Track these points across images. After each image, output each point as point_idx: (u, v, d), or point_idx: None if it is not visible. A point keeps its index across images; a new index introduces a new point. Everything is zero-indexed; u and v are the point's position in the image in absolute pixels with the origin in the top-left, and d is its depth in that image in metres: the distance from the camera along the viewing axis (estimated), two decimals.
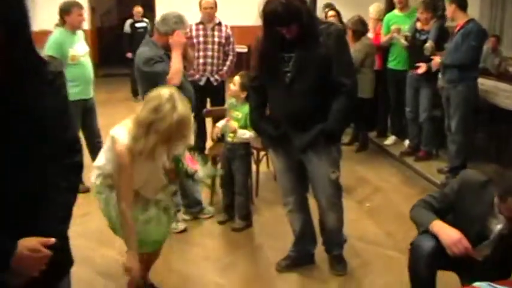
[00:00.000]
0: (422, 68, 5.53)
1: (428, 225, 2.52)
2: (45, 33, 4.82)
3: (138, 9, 9.99)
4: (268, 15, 2.98)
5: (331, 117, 3.15)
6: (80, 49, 4.80)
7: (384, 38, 6.41)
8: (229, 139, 4.20)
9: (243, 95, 4.10)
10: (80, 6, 4.83)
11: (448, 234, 2.43)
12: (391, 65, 6.41)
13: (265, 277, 3.60)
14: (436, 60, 5.25)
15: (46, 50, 4.63)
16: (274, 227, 4.28)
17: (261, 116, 3.46)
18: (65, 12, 4.75)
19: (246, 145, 4.22)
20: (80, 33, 4.90)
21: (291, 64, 3.11)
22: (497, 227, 2.44)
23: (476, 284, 1.96)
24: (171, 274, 3.58)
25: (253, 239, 4.19)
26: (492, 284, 1.93)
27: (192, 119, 2.88)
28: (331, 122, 3.16)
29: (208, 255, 3.88)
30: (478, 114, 5.54)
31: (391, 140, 6.75)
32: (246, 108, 3.96)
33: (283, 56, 3.14)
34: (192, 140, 2.91)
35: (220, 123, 4.34)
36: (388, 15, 6.56)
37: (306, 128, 3.19)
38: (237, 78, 4.19)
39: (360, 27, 6.21)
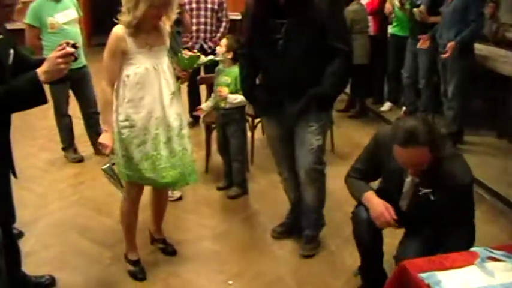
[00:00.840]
0: (424, 42, 5.44)
1: (361, 199, 2.66)
2: None
3: None
4: None
5: (325, 81, 3.06)
6: (61, 17, 4.67)
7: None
8: (222, 105, 4.17)
9: (230, 56, 4.08)
10: None
11: (373, 207, 2.56)
12: (393, 30, 6.33)
13: (261, 243, 3.61)
14: (452, 44, 5.00)
15: (25, 18, 4.59)
16: (270, 194, 4.29)
17: (253, 83, 3.39)
18: None
19: (240, 110, 4.19)
20: (66, 0, 4.76)
21: (282, 30, 2.99)
22: (407, 179, 2.52)
23: (473, 248, 1.96)
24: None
25: (248, 206, 4.20)
26: (489, 248, 1.93)
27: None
28: (325, 86, 3.06)
29: (203, 222, 3.88)
30: (475, 79, 5.50)
31: (386, 106, 6.72)
32: (234, 71, 3.95)
33: (276, 22, 3.01)
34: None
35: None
36: None
37: (301, 94, 3.10)
38: (224, 40, 4.17)
39: None
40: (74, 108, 5.11)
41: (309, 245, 3.49)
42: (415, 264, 1.82)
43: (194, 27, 5.47)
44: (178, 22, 4.35)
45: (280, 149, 3.44)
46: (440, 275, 1.74)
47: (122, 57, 2.84)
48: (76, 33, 4.75)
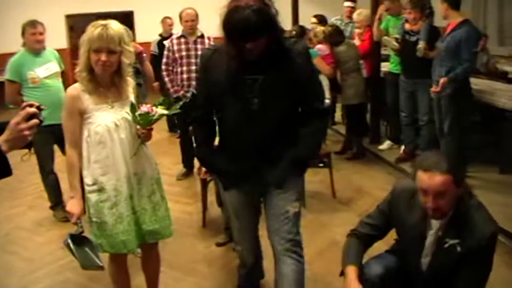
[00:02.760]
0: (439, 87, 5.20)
1: (344, 268, 2.56)
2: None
3: None
4: (239, 25, 2.35)
5: (303, 144, 2.70)
6: (41, 71, 4.53)
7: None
8: None
9: None
10: (33, 25, 4.53)
11: (347, 284, 2.47)
12: (391, 68, 6.25)
13: None
14: (444, 80, 4.89)
15: (4, 74, 4.47)
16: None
17: (212, 151, 2.90)
18: (22, 32, 4.55)
19: None
20: (47, 54, 4.64)
21: (256, 88, 2.57)
22: (430, 232, 2.44)
23: None
24: None
25: None
26: None
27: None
28: (303, 149, 2.70)
29: (204, 285, 3.62)
30: (472, 115, 5.40)
31: (386, 145, 6.59)
32: None
33: (249, 78, 2.57)
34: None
35: None
36: (387, 18, 6.39)
37: (276, 159, 2.70)
38: None
39: (338, 38, 6.13)
40: (61, 164, 4.88)
41: None
42: None
43: (185, 76, 5.34)
44: (137, 73, 4.20)
45: (245, 218, 2.95)
46: None
47: (80, 116, 2.69)
48: (58, 87, 4.60)
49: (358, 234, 2.66)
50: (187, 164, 5.83)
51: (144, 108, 2.68)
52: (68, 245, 2.63)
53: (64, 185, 4.83)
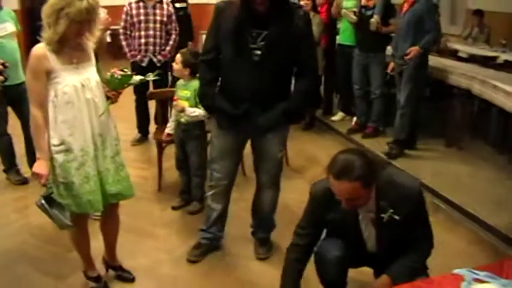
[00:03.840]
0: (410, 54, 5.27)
1: None
2: None
3: None
4: None
5: (296, 98, 3.17)
6: None
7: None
8: (182, 120, 4.02)
9: (187, 72, 3.96)
10: None
11: None
12: (341, 40, 6.35)
13: (223, 264, 3.48)
14: (416, 48, 5.02)
15: None
16: (230, 210, 4.10)
17: (214, 92, 3.26)
18: None
19: (200, 125, 4.05)
20: (4, 14, 4.50)
21: (260, 41, 2.96)
22: (360, 217, 2.48)
23: (456, 270, 1.90)
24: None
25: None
26: (472, 269, 1.88)
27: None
28: (295, 102, 3.16)
29: (160, 246, 3.70)
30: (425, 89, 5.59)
31: (339, 116, 6.74)
32: (194, 84, 3.82)
33: (254, 32, 2.97)
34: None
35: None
36: None
37: (268, 106, 3.11)
38: (178, 56, 4.02)
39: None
40: (14, 126, 4.81)
41: (263, 247, 3.58)
42: None
43: (143, 40, 5.30)
44: None
45: (228, 161, 3.36)
46: None
47: (46, 77, 2.66)
48: (13, 48, 4.50)
49: (296, 249, 2.66)
50: (143, 129, 5.83)
51: (120, 72, 2.72)
52: (42, 206, 2.67)
53: (18, 148, 4.80)
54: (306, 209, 2.66)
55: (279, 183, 3.49)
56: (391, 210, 2.37)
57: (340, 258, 2.58)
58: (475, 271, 1.87)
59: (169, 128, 4.28)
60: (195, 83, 3.75)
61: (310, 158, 5.57)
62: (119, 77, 2.81)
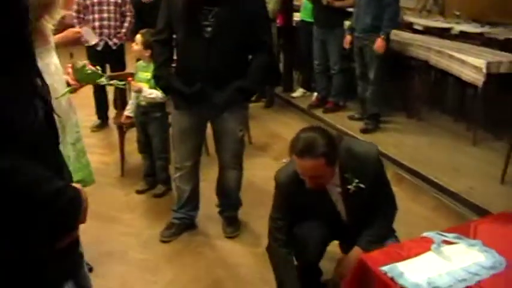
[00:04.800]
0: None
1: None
2: None
3: None
4: None
5: (251, 75, 3.12)
6: None
7: None
8: (142, 102, 3.94)
9: (147, 53, 3.87)
10: None
11: None
12: (302, 16, 6.34)
13: (192, 246, 3.45)
14: (381, 40, 5.03)
15: None
16: None
17: (169, 72, 3.23)
18: None
19: (160, 106, 3.97)
20: None
21: (211, 18, 2.94)
22: (330, 192, 2.47)
23: (425, 234, 1.93)
24: (88, 255, 3.30)
25: (170, 206, 3.90)
26: (440, 232, 1.90)
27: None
28: (251, 80, 3.12)
29: (127, 231, 3.64)
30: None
31: (299, 92, 6.76)
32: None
33: (205, 9, 2.94)
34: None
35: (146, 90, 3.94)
36: None
37: (224, 85, 3.07)
38: (138, 37, 3.93)
39: None
40: None
41: (231, 226, 3.59)
42: (373, 258, 1.76)
43: (97, 23, 5.15)
44: None
45: (189, 141, 3.34)
46: (401, 266, 1.69)
47: None
48: None
49: (279, 240, 2.61)
50: (102, 115, 5.71)
51: (91, 67, 2.65)
52: None
53: None
54: (274, 198, 2.64)
55: (242, 162, 3.48)
56: (356, 180, 2.38)
57: (321, 239, 2.59)
58: (444, 233, 1.90)
59: (129, 111, 4.20)
60: None
61: (273, 135, 5.58)
62: (89, 71, 2.70)
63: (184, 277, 3.12)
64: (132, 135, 4.42)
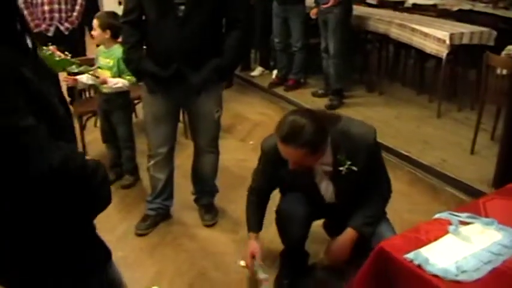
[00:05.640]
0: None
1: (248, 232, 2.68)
2: None
3: None
4: None
5: (226, 54, 2.98)
6: None
7: None
8: (104, 89, 3.71)
9: (107, 35, 3.62)
10: None
11: (246, 249, 2.68)
12: None
13: (169, 237, 3.30)
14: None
15: None
16: None
17: (141, 55, 3.04)
18: None
19: (124, 94, 3.77)
20: None
21: None
22: (316, 173, 2.42)
23: (437, 215, 1.86)
24: None
25: (144, 196, 3.72)
26: (453, 213, 1.85)
27: None
28: (226, 59, 2.99)
29: (99, 227, 3.43)
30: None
31: (258, 71, 6.65)
32: (117, 52, 3.55)
33: None
34: None
35: (82, 77, 3.74)
36: None
37: (199, 65, 2.93)
38: (95, 21, 3.66)
39: None
40: None
41: (209, 214, 3.46)
42: (394, 245, 1.67)
43: (46, 7, 4.80)
44: None
45: (164, 127, 3.18)
46: (424, 252, 1.62)
47: None
48: None
49: (255, 191, 2.66)
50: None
51: (59, 53, 2.42)
52: None
53: None
54: (258, 163, 2.62)
55: (218, 145, 3.36)
56: (349, 162, 2.30)
57: (305, 215, 2.52)
58: (456, 213, 1.84)
59: (81, 77, 3.80)
60: (118, 51, 3.51)
61: (237, 116, 5.44)
62: (58, 58, 2.49)
63: (169, 271, 2.97)
64: (90, 124, 4.18)
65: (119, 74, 3.60)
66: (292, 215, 2.51)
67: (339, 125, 2.31)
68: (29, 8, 4.81)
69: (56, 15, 4.86)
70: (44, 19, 4.84)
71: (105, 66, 3.65)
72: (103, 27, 3.59)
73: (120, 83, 3.60)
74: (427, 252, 1.62)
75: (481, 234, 1.72)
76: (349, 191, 2.43)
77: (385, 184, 2.52)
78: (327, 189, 2.47)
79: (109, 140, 3.99)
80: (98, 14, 3.73)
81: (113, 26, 3.55)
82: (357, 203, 2.44)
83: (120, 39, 3.44)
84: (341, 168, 2.32)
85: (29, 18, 4.85)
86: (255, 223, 2.66)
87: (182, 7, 2.80)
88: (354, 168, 2.30)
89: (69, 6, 4.92)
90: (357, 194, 2.44)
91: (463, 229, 1.74)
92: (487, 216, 1.84)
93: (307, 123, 2.10)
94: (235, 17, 2.97)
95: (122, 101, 3.77)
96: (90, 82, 3.67)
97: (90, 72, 3.47)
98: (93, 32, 3.69)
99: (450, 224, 1.77)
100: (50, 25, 4.86)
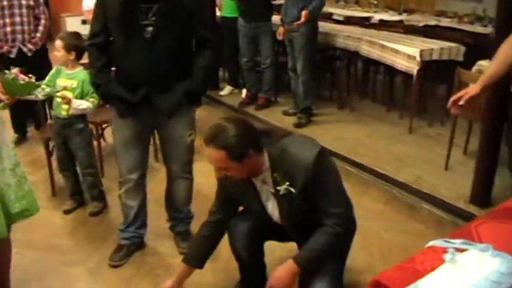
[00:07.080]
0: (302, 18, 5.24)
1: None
2: None
3: None
4: None
5: (197, 75, 2.92)
6: None
7: None
8: (63, 113, 3.54)
9: (72, 56, 3.50)
10: None
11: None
12: (224, 13, 6.15)
13: (146, 267, 3.17)
14: (306, 12, 4.98)
15: None
16: None
17: (109, 78, 2.95)
18: None
19: (83, 117, 3.64)
20: None
21: (152, 16, 2.72)
22: (259, 189, 2.38)
23: (431, 243, 1.80)
24: None
25: (114, 223, 3.61)
26: (447, 240, 1.78)
27: None
28: (197, 81, 2.92)
29: (68, 260, 3.26)
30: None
31: (227, 90, 6.60)
32: (80, 74, 3.46)
33: (141, 7, 2.72)
34: None
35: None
36: None
37: (169, 87, 2.86)
38: (58, 42, 3.53)
39: None
40: None
41: (185, 241, 3.31)
42: (392, 278, 1.60)
43: (8, 29, 4.63)
44: None
45: (134, 152, 3.07)
46: (422, 284, 1.55)
47: None
48: None
49: (208, 222, 2.63)
50: (19, 129, 5.22)
51: (23, 76, 2.29)
52: None
53: None
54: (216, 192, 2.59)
55: (192, 170, 3.26)
56: (287, 183, 2.23)
57: (248, 229, 2.51)
58: (450, 240, 1.78)
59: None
60: (82, 73, 3.44)
61: None
62: (22, 82, 2.36)
63: None
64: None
65: (81, 97, 3.48)
66: (235, 229, 2.54)
67: (280, 142, 2.26)
68: None
69: (19, 36, 4.70)
70: (6, 40, 4.66)
71: (69, 88, 3.50)
72: (67, 48, 3.47)
73: (84, 104, 3.47)
74: (426, 285, 1.55)
75: (477, 262, 1.66)
76: (293, 213, 2.33)
77: (340, 212, 2.28)
78: (273, 209, 2.41)
79: (67, 169, 3.84)
80: (62, 34, 3.60)
81: (78, 47, 3.45)
82: (311, 226, 2.30)
83: (83, 61, 3.35)
84: (279, 188, 2.25)
85: None
86: (192, 255, 2.63)
87: (150, 28, 2.73)
88: (292, 189, 2.23)
89: (32, 27, 4.77)
90: (305, 217, 2.32)
91: (459, 257, 1.68)
92: (480, 241, 1.78)
93: (230, 127, 2.11)
94: (203, 36, 2.91)
95: (80, 125, 3.63)
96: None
97: (58, 94, 3.32)
98: (56, 54, 3.55)
99: (445, 251, 1.70)
100: (12, 47, 4.69)
